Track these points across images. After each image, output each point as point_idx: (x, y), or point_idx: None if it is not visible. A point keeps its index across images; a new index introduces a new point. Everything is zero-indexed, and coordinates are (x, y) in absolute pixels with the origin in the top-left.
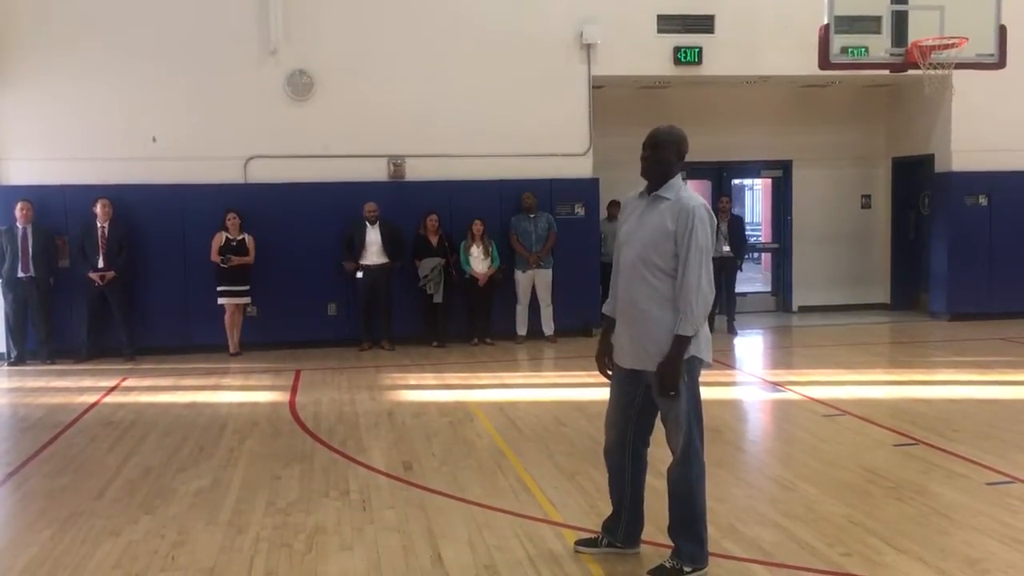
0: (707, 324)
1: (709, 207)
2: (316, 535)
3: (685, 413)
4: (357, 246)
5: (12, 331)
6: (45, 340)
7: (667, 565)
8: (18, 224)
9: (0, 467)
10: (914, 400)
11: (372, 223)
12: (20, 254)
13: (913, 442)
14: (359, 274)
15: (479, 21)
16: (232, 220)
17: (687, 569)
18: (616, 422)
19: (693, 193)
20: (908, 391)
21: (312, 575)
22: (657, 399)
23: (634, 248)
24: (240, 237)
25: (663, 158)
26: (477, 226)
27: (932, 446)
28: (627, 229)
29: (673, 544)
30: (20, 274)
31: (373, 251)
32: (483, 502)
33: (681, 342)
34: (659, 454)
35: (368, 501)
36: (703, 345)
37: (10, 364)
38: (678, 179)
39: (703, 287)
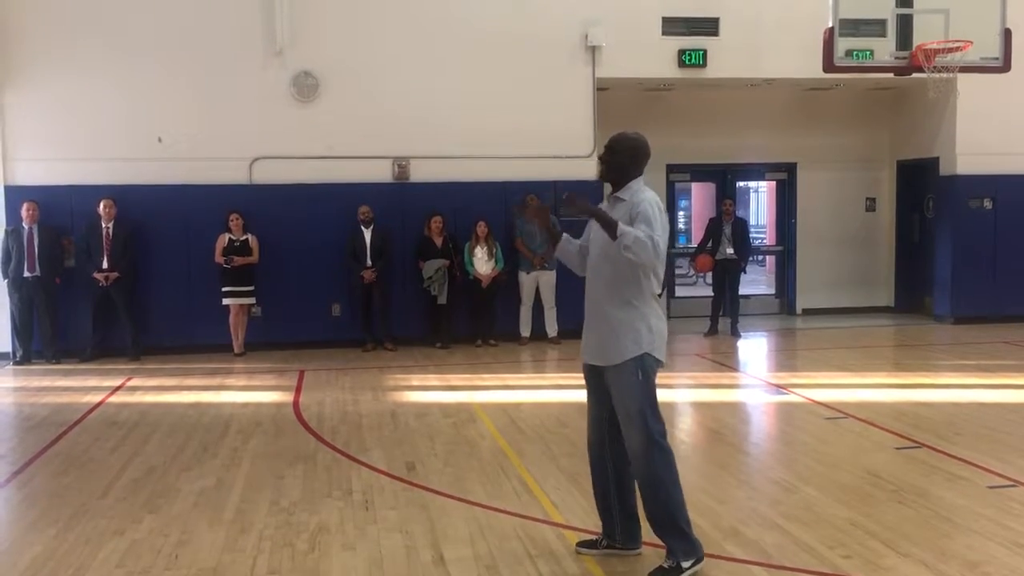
0: (663, 323)
1: (661, 203)
2: (319, 535)
3: (639, 410)
4: (360, 252)
5: (18, 330)
6: (50, 340)
7: (665, 566)
8: (24, 224)
9: (5, 466)
10: (916, 403)
11: (367, 226)
12: (26, 254)
13: (915, 445)
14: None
15: (484, 23)
16: (235, 221)
17: (684, 564)
18: (593, 419)
19: (649, 193)
20: (911, 394)
21: (315, 574)
22: (612, 393)
23: (596, 248)
24: (243, 237)
25: (615, 162)
26: (481, 227)
27: (934, 449)
28: (592, 233)
29: (663, 544)
30: (26, 274)
31: (371, 254)
32: (485, 503)
33: (607, 219)
34: None
35: (371, 501)
36: (657, 343)
37: (16, 363)
38: (637, 182)
39: (647, 237)
